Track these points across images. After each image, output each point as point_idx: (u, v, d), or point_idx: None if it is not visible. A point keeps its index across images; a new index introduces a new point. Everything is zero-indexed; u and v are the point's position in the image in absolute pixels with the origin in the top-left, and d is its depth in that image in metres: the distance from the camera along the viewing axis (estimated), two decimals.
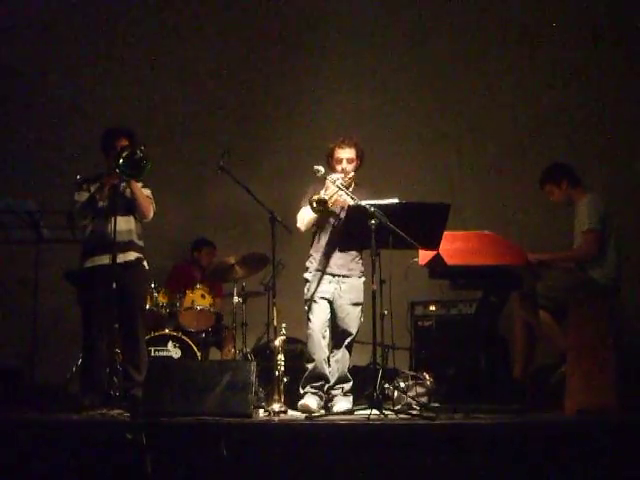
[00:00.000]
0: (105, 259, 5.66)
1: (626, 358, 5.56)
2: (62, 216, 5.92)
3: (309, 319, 5.91)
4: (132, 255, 5.84)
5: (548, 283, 5.92)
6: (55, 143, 8.58)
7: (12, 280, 7.75)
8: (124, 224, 5.80)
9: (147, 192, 5.92)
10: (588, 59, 8.20)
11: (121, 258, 5.74)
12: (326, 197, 5.62)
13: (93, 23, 8.82)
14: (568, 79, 8.26)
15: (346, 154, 5.95)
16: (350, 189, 5.76)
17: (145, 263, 5.96)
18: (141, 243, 5.94)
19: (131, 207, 5.81)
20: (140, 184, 5.85)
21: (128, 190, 5.75)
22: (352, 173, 5.91)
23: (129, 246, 5.83)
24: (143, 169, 5.58)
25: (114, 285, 5.49)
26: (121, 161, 5.51)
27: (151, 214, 5.88)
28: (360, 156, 5.99)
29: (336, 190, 5.62)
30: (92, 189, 5.74)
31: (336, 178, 5.69)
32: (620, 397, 5.29)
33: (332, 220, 5.97)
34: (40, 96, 8.67)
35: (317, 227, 6.02)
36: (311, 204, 5.62)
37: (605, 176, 7.62)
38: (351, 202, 5.57)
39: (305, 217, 5.92)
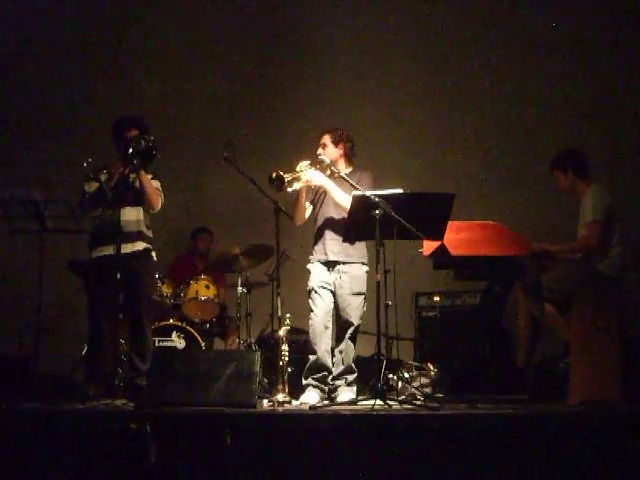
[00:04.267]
0: (112, 250, 5.67)
1: (630, 349, 5.56)
2: (66, 206, 5.91)
3: (311, 310, 5.90)
4: (140, 245, 5.86)
5: (553, 274, 5.91)
6: (59, 133, 8.58)
7: (16, 269, 7.76)
8: (133, 215, 5.83)
9: (156, 184, 5.93)
10: (595, 47, 8.16)
11: (129, 248, 5.77)
12: (282, 174, 5.64)
13: (101, 16, 8.80)
14: (575, 68, 8.22)
15: (321, 140, 6.02)
16: (327, 173, 5.84)
17: (154, 254, 5.98)
18: (150, 233, 5.96)
19: (140, 198, 5.82)
20: (150, 175, 5.87)
21: (137, 181, 5.76)
22: (324, 156, 5.89)
23: (138, 236, 5.85)
24: (151, 159, 5.59)
25: (118, 275, 5.51)
26: (130, 151, 5.53)
27: (159, 205, 5.90)
28: (337, 141, 6.00)
29: (299, 172, 5.70)
30: (102, 179, 5.74)
31: (306, 164, 5.77)
32: (624, 388, 5.29)
33: (315, 206, 6.03)
34: (46, 88, 8.66)
35: (314, 217, 6.05)
36: (269, 178, 5.65)
37: (611, 166, 7.59)
38: (322, 182, 5.77)
39: (295, 207, 5.96)
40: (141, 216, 5.88)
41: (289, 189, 5.74)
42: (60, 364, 7.00)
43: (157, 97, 8.64)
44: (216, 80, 8.82)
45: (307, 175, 5.74)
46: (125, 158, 5.56)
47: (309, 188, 5.89)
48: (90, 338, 5.85)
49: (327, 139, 6.01)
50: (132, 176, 5.76)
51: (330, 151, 5.98)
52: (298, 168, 5.75)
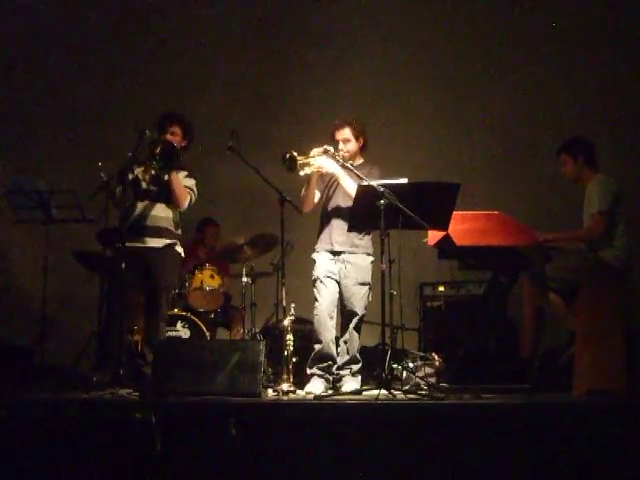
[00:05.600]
0: (137, 242, 5.74)
1: (635, 339, 5.56)
2: (71, 196, 5.92)
3: (316, 299, 5.90)
4: (164, 241, 5.88)
5: (558, 264, 5.90)
6: (67, 124, 8.59)
7: (21, 259, 7.78)
8: (162, 211, 5.87)
9: (190, 182, 5.95)
10: (601, 39, 8.14)
11: (155, 243, 5.83)
12: (295, 155, 5.63)
13: (109, 11, 8.80)
14: (581, 61, 8.20)
15: (341, 135, 5.96)
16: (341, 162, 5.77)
17: (179, 249, 5.99)
18: (178, 231, 6.00)
19: (170, 195, 5.84)
20: (184, 173, 5.93)
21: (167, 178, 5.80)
22: (329, 146, 5.83)
23: (164, 232, 5.89)
24: (173, 161, 5.66)
25: (133, 267, 5.55)
26: (157, 157, 5.62)
27: (186, 205, 5.93)
28: (357, 135, 5.97)
29: (312, 157, 5.69)
30: (135, 172, 5.79)
31: (319, 150, 5.74)
32: (629, 378, 5.29)
33: (323, 195, 6.01)
34: (51, 79, 8.67)
35: (321, 206, 6.03)
36: (283, 157, 5.63)
37: (618, 157, 7.58)
38: (334, 170, 5.71)
39: (302, 194, 5.94)
40: (170, 213, 5.91)
41: (301, 173, 5.72)
42: (65, 354, 7.02)
43: (161, 87, 8.63)
44: (222, 69, 8.81)
45: (319, 161, 5.72)
46: (150, 160, 5.63)
47: (320, 176, 5.87)
48: (104, 326, 5.87)
49: (349, 133, 5.95)
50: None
51: (352, 145, 5.96)
52: (311, 154, 5.73)
